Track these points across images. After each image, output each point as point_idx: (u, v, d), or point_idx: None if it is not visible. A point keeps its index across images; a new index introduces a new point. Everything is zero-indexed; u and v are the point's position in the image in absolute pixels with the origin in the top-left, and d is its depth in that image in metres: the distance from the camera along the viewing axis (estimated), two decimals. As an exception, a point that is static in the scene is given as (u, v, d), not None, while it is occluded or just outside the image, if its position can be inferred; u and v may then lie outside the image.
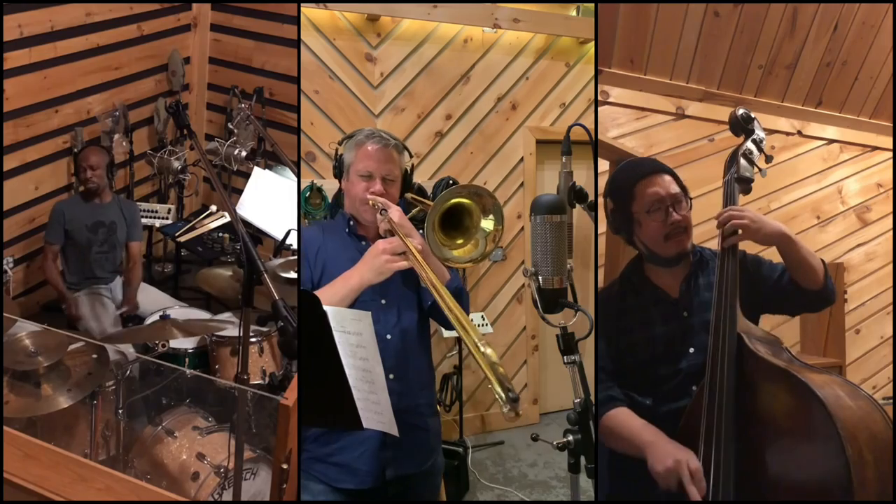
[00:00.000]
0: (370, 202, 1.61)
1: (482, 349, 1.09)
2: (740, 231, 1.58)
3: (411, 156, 1.76)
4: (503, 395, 1.01)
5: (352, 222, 1.72)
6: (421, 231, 1.52)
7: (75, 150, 3.67)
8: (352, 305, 1.48)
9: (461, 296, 1.67)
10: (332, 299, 1.45)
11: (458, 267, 1.57)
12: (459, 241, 1.53)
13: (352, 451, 1.60)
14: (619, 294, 1.80)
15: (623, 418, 1.60)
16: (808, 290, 1.66)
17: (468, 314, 1.39)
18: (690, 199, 1.74)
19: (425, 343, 1.74)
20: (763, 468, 1.35)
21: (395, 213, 1.55)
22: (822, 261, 1.66)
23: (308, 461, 1.61)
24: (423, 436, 1.68)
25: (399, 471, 1.62)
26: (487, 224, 1.52)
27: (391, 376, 1.58)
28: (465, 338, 1.16)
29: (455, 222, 1.53)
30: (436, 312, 1.67)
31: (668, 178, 1.72)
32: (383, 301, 1.63)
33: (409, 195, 1.78)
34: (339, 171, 1.74)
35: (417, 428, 1.66)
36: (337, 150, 1.76)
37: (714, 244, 1.71)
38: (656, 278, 1.76)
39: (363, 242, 1.70)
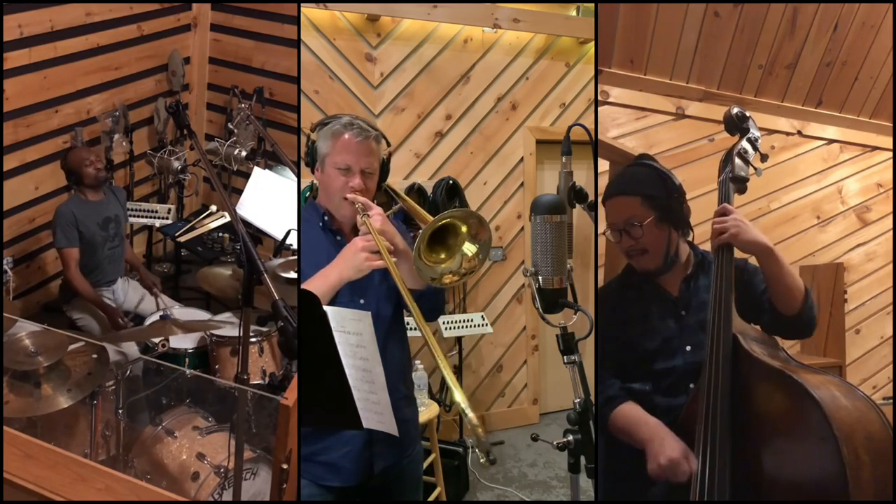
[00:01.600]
0: (350, 200, 1.56)
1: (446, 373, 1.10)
2: (723, 235, 1.58)
3: (389, 144, 1.70)
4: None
5: (326, 217, 1.66)
6: (410, 233, 1.51)
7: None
8: (330, 304, 1.47)
9: (437, 294, 1.64)
10: None
11: (440, 284, 1.52)
12: (442, 256, 1.49)
13: (337, 449, 1.60)
14: (620, 289, 1.82)
15: (627, 413, 1.61)
16: (782, 314, 1.63)
17: (442, 313, 1.35)
18: (682, 204, 1.72)
19: (402, 338, 1.74)
20: (759, 469, 1.35)
21: (378, 219, 1.50)
22: (807, 288, 1.63)
23: None
24: (402, 427, 1.68)
25: (383, 463, 1.64)
26: (470, 248, 1.46)
27: None
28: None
29: (441, 238, 1.49)
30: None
31: (628, 200, 1.70)
32: (362, 301, 1.62)
33: (386, 184, 1.73)
34: (311, 160, 1.65)
35: (397, 420, 1.66)
36: (309, 136, 1.65)
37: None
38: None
39: (338, 238, 1.65)
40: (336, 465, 1.60)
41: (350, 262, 1.47)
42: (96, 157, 3.30)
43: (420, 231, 1.40)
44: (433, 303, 1.64)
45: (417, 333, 3.73)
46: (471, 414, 1.06)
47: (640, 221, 1.68)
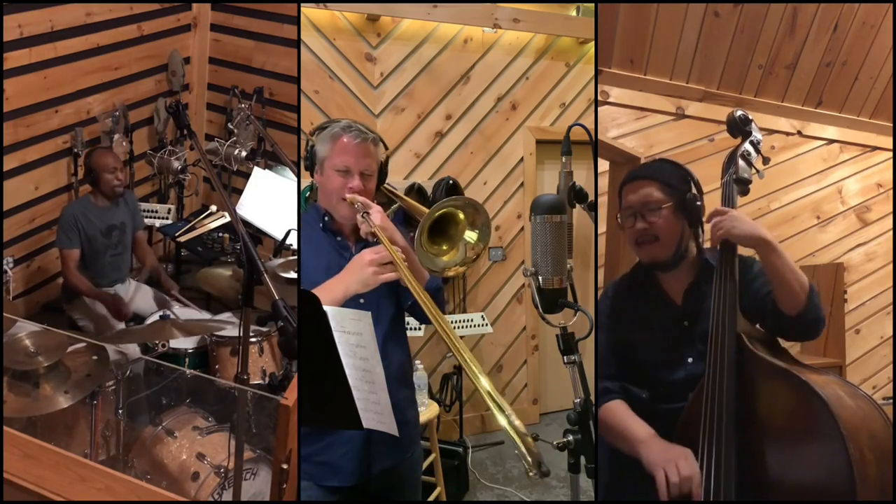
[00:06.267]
0: (349, 200, 1.58)
1: (482, 380, 1.06)
2: (719, 232, 1.55)
3: (386, 147, 1.73)
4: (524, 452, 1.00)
5: (326, 218, 1.67)
6: (410, 234, 1.51)
7: (75, 150, 3.66)
8: None
9: (438, 295, 1.67)
10: None
11: (445, 276, 1.55)
12: (444, 248, 1.51)
13: (336, 449, 1.60)
14: (628, 290, 1.80)
15: (618, 412, 1.60)
16: (784, 314, 1.52)
17: (444, 312, 1.37)
18: (699, 202, 1.69)
19: (402, 339, 1.74)
20: (764, 468, 1.35)
21: (377, 216, 1.52)
22: (811, 286, 1.52)
23: None
24: (403, 429, 1.68)
25: (382, 464, 1.64)
26: (471, 236, 1.50)
27: None
28: (452, 348, 1.14)
29: (441, 229, 1.51)
30: (415, 310, 1.67)
31: (648, 183, 1.70)
32: (361, 300, 1.61)
33: (383, 186, 1.76)
34: (311, 163, 1.67)
35: (398, 421, 1.66)
36: (308, 140, 1.67)
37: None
38: (662, 281, 1.75)
39: (338, 238, 1.67)
40: (335, 466, 1.60)
41: (357, 275, 1.47)
42: (117, 163, 3.26)
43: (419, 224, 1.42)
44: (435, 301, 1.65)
45: (418, 333, 3.72)
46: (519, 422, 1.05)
47: (657, 205, 1.67)
